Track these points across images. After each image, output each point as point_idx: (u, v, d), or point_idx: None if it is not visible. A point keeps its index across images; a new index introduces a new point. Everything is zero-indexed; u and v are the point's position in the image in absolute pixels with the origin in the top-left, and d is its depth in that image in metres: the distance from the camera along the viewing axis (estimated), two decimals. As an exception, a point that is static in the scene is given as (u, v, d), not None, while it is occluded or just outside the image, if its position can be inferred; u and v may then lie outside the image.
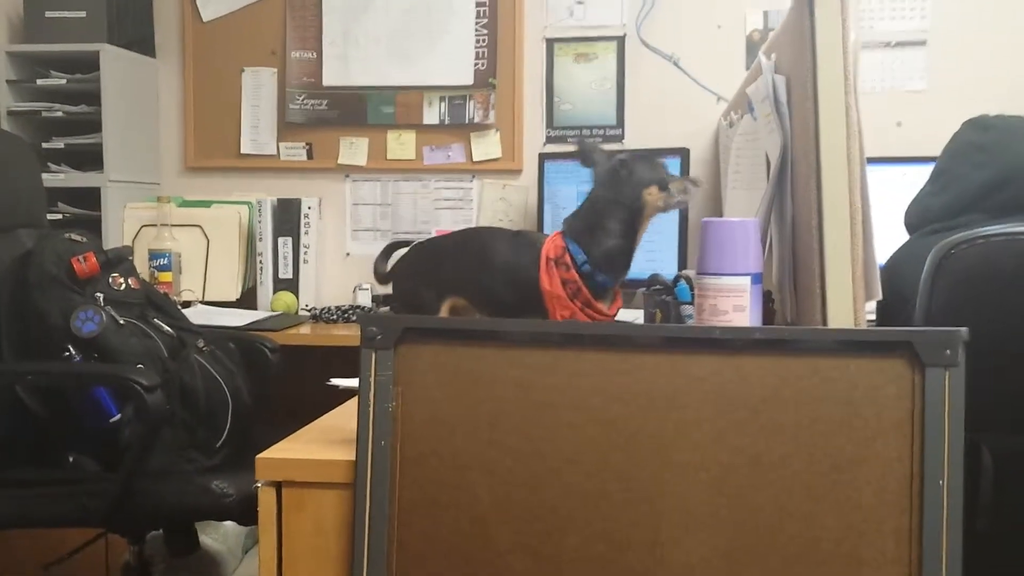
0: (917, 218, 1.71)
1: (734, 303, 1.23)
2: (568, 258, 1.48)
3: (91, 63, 2.99)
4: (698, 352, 1.10)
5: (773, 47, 1.45)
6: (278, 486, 1.19)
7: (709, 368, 1.10)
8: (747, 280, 1.23)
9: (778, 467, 1.08)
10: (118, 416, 1.95)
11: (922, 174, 2.90)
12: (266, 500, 1.19)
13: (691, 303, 1.48)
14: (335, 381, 1.69)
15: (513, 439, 1.12)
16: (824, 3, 1.15)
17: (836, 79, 1.15)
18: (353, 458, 1.14)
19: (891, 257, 1.67)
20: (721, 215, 2.50)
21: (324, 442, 1.26)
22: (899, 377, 1.07)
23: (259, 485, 1.19)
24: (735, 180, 1.90)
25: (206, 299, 3.03)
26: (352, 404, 1.50)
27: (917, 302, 1.42)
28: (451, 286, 1.56)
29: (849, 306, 1.18)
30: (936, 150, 2.90)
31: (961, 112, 2.97)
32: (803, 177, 1.24)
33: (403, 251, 1.73)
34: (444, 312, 1.55)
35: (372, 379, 1.15)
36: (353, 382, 1.62)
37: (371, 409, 1.14)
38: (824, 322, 1.19)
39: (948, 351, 1.05)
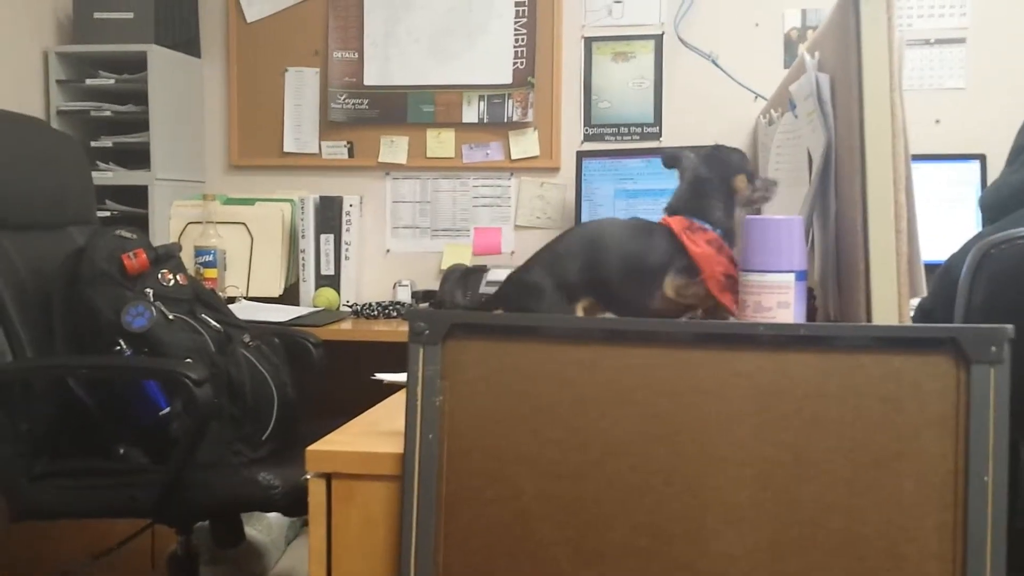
0: (994, 196, 1.67)
1: (778, 299, 1.24)
2: (699, 225, 1.49)
3: (138, 63, 3.04)
4: (742, 348, 1.11)
5: (816, 45, 1.46)
6: (328, 478, 1.22)
7: (753, 364, 1.11)
8: (791, 277, 1.24)
9: (821, 462, 1.09)
10: (167, 409, 1.99)
11: (961, 171, 2.92)
12: (316, 491, 1.21)
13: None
14: (380, 376, 1.72)
15: (557, 433, 1.14)
16: (870, 2, 1.16)
17: (882, 78, 1.15)
18: (401, 451, 1.16)
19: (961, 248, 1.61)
20: (760, 212, 2.50)
21: (372, 435, 1.28)
22: (943, 373, 1.08)
23: (309, 477, 1.22)
24: (775, 177, 1.90)
25: (250, 295, 3.08)
26: (397, 398, 1.52)
27: (957, 300, 1.42)
28: (581, 288, 1.49)
29: (894, 302, 1.18)
30: (974, 148, 2.92)
31: (1000, 110, 2.97)
32: (847, 175, 1.25)
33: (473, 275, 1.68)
34: (579, 314, 1.50)
35: (420, 374, 1.17)
36: (397, 377, 1.65)
37: (419, 403, 1.16)
38: (868, 319, 1.19)
39: (994, 348, 1.06)
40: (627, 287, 1.47)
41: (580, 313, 1.48)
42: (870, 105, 1.16)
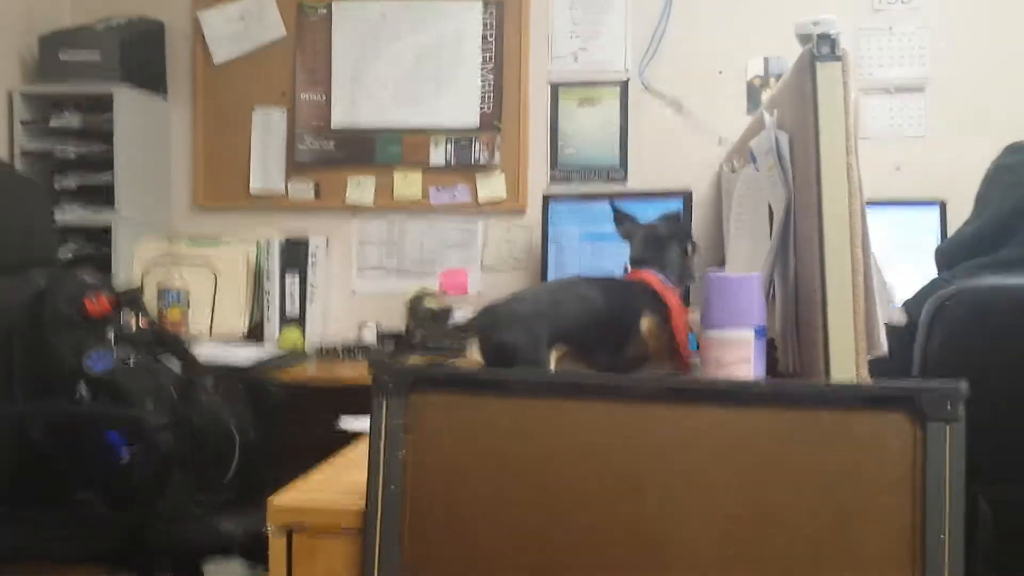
0: (950, 243, 1.72)
1: (739, 355, 1.26)
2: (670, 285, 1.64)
3: (104, 103, 3.03)
4: (703, 404, 1.12)
5: (775, 103, 1.49)
6: (289, 532, 1.21)
7: (714, 420, 1.12)
8: (751, 333, 1.26)
9: (782, 518, 1.09)
10: (127, 456, 1.97)
11: (920, 217, 2.97)
12: (277, 546, 1.20)
13: (695, 350, 1.51)
14: (345, 423, 1.72)
15: (520, 487, 1.14)
16: (826, 67, 1.19)
17: (838, 139, 1.18)
18: (363, 504, 1.16)
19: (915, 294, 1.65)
20: (723, 259, 2.53)
21: (335, 487, 1.28)
22: (901, 431, 1.09)
23: (270, 530, 1.21)
24: (737, 228, 1.93)
25: (213, 336, 3.06)
26: (360, 446, 1.52)
27: (914, 350, 1.45)
28: (558, 335, 1.53)
29: (851, 359, 1.20)
30: (934, 193, 2.97)
31: (959, 157, 3.04)
32: (805, 232, 1.27)
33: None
34: (553, 361, 1.54)
35: (383, 426, 1.17)
36: (361, 423, 1.64)
37: (382, 456, 1.16)
38: (827, 374, 1.21)
39: (949, 406, 1.07)
40: (606, 334, 1.52)
41: (554, 358, 1.51)
42: (827, 166, 1.18)
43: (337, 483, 1.30)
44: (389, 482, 1.15)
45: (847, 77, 1.18)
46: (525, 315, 1.51)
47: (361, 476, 1.18)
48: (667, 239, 1.70)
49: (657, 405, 1.13)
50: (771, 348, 1.49)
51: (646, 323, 1.55)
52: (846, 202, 1.18)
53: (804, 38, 1.18)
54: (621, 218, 1.78)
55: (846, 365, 1.20)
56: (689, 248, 1.72)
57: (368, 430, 1.18)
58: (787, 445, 1.10)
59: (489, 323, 1.51)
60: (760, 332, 1.27)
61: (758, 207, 1.69)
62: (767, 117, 1.43)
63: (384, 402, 1.17)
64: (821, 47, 1.18)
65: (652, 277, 1.63)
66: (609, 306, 1.56)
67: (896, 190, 3.01)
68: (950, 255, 1.70)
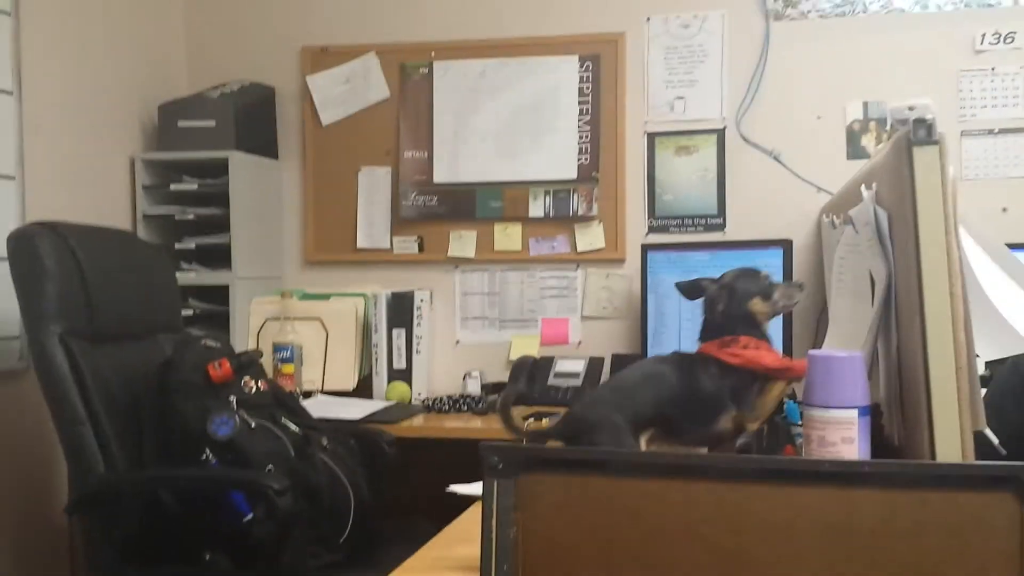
0: None
1: (842, 435, 1.27)
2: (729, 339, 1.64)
3: (220, 167, 3.17)
4: (807, 484, 1.14)
5: (873, 177, 1.50)
6: (410, 609, 1.27)
7: (819, 499, 1.14)
8: (855, 413, 1.27)
9: (889, 598, 1.11)
10: (251, 516, 2.06)
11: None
12: (399, 619, 1.27)
13: (800, 424, 1.52)
14: (454, 487, 1.78)
15: (628, 565, 1.17)
16: (923, 151, 1.20)
17: (937, 223, 1.19)
18: (477, 581, 1.21)
19: None
20: (824, 307, 2.52)
21: (448, 562, 1.34)
22: (1006, 511, 1.09)
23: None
24: (839, 286, 1.94)
25: (325, 389, 3.16)
26: (471, 516, 1.57)
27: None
28: (641, 422, 1.59)
29: (956, 437, 1.20)
30: (1043, 235, 2.91)
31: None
32: (907, 310, 1.28)
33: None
34: (643, 447, 1.58)
35: (494, 506, 1.21)
36: (471, 488, 1.70)
37: (493, 535, 1.21)
38: (932, 452, 1.22)
39: (1055, 487, 1.07)
40: (686, 409, 1.55)
41: (644, 444, 1.55)
42: (926, 249, 1.19)
43: (450, 558, 1.35)
44: (502, 562, 1.20)
45: (944, 161, 1.20)
46: (605, 413, 1.57)
47: (472, 550, 1.23)
48: (726, 310, 1.67)
49: (761, 485, 1.16)
50: (876, 415, 1.49)
51: (744, 419, 1.57)
52: (947, 284, 1.19)
53: (900, 122, 1.20)
54: (692, 293, 1.73)
55: (952, 443, 1.20)
56: (755, 306, 1.67)
57: (477, 494, 1.23)
58: (891, 525, 1.11)
59: (573, 428, 1.58)
60: (863, 411, 1.28)
61: (859, 269, 1.69)
62: (865, 192, 1.45)
63: (495, 483, 1.22)
64: (918, 131, 1.20)
65: (710, 348, 1.63)
66: (683, 382, 1.60)
67: (1003, 232, 2.95)
68: None
